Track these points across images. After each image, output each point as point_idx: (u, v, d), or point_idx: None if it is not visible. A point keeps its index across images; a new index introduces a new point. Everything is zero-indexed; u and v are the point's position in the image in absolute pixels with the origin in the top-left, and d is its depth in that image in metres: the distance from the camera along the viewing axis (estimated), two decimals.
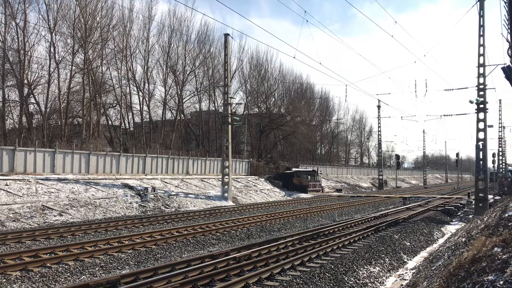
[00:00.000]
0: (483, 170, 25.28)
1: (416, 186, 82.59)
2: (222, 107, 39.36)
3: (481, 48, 24.82)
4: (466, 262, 7.16)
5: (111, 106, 46.67)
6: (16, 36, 34.72)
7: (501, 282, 5.50)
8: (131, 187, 28.82)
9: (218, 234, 17.42)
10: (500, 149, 61.07)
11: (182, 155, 39.84)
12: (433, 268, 10.56)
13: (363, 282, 11.17)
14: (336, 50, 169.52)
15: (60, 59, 37.70)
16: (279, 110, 63.95)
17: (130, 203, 26.32)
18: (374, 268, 12.53)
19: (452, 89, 31.97)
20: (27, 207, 20.92)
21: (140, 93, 47.22)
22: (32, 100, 37.46)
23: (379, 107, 63.93)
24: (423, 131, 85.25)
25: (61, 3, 36.90)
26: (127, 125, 48.54)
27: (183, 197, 30.88)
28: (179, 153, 40.28)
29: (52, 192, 23.81)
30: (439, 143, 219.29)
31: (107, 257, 12.64)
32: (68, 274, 10.86)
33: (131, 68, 45.92)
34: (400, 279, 11.86)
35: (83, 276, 10.91)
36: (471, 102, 25.02)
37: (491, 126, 27.99)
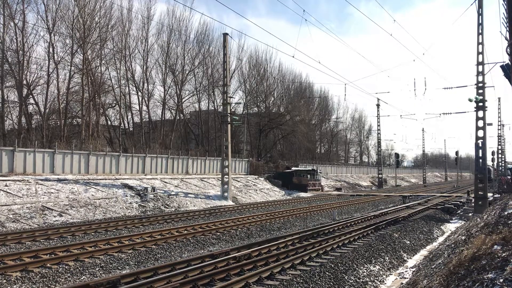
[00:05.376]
0: (483, 168, 25.29)
1: (415, 185, 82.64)
2: (222, 106, 39.35)
3: (480, 46, 24.83)
4: (466, 260, 7.17)
5: (110, 106, 46.66)
6: (14, 37, 34.71)
7: (501, 280, 5.51)
8: (130, 187, 28.81)
9: (218, 233, 17.43)
10: (500, 147, 61.05)
11: (181, 155, 39.82)
12: (433, 267, 10.57)
13: (363, 280, 11.18)
14: (335, 49, 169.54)
15: (59, 59, 37.71)
16: (278, 109, 63.97)
17: (130, 203, 26.31)
18: (374, 267, 12.55)
19: (451, 88, 32.03)
20: (26, 207, 20.91)
21: (139, 93, 47.27)
22: (31, 101, 37.44)
23: (378, 105, 64.01)
24: (423, 130, 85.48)
25: (60, 3, 36.90)
26: (126, 125, 48.59)
27: (182, 197, 30.88)
28: (178, 153, 40.27)
29: (52, 193, 23.80)
30: (439, 141, 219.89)
31: (107, 257, 12.64)
32: (68, 274, 10.87)
33: (130, 68, 45.97)
34: (400, 278, 11.87)
35: (83, 277, 10.91)
36: (470, 100, 25.04)
37: (490, 124, 27.98)
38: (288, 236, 15.86)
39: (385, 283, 11.51)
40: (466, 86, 29.79)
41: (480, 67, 24.92)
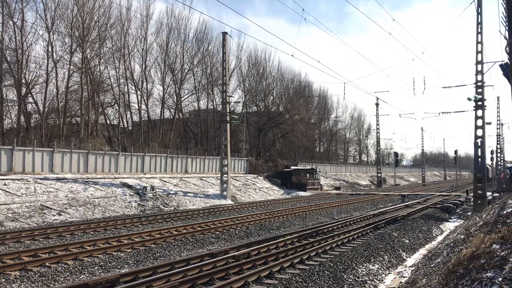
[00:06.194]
0: (482, 167, 25.30)
1: (414, 184, 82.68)
2: (221, 105, 39.35)
3: (479, 45, 24.81)
4: (464, 259, 7.18)
5: (109, 105, 46.66)
6: (13, 36, 34.66)
7: (500, 279, 5.52)
8: (130, 186, 28.80)
9: (217, 232, 17.42)
10: (499, 146, 61.02)
11: (180, 154, 39.81)
12: (432, 265, 10.58)
13: (362, 279, 11.19)
14: (334, 48, 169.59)
15: (58, 58, 37.70)
16: (277, 108, 63.96)
17: (129, 202, 26.30)
18: (373, 266, 12.56)
19: (450, 87, 31.89)
20: (25, 206, 20.90)
21: (138, 92, 47.27)
22: (30, 100, 37.44)
23: (377, 104, 63.85)
24: (422, 129, 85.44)
25: (59, 2, 36.88)
26: (125, 124, 48.58)
27: (182, 196, 30.87)
28: (177, 152, 40.26)
29: (51, 192, 23.78)
30: (438, 140, 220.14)
31: (106, 256, 12.63)
32: (67, 273, 10.86)
33: (129, 67, 45.95)
34: (399, 277, 11.88)
35: (83, 276, 10.91)
36: (469, 99, 25.02)
37: (489, 123, 27.96)
38: (287, 235, 15.87)
39: (384, 282, 11.52)
40: (465, 85, 29.74)
41: (479, 66, 24.91)
